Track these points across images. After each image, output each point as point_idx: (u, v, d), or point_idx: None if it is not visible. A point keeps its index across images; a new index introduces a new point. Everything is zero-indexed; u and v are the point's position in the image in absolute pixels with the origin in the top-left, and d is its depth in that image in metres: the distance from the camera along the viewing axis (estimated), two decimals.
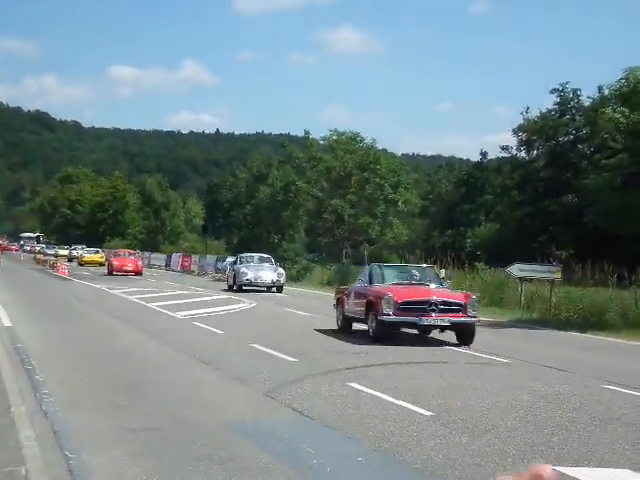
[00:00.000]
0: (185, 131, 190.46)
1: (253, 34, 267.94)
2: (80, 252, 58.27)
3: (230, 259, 45.48)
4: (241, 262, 29.78)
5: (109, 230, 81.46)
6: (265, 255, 31.85)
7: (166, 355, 11.92)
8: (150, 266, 52.55)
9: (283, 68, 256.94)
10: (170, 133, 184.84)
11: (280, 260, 46.11)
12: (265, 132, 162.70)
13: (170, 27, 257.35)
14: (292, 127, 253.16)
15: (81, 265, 51.65)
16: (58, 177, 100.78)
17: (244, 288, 28.03)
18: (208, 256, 51.37)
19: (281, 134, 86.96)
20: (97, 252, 55.64)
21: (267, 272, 28.49)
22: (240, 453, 6.07)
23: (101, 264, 49.46)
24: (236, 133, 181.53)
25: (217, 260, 47.63)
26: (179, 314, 18.38)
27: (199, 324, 16.14)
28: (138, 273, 39.28)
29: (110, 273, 39.11)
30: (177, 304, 21.31)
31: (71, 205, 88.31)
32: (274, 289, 28.26)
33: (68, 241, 76.04)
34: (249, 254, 32.49)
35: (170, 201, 76.29)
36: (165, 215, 74.33)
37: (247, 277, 28.12)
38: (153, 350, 12.53)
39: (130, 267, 39.77)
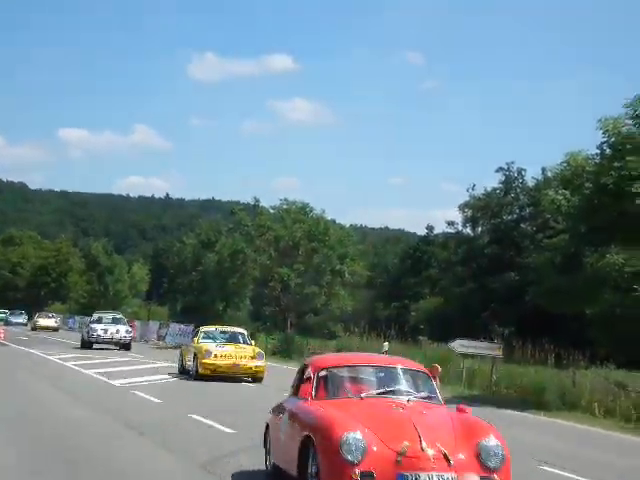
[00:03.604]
0: (134, 195, 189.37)
1: (206, 100, 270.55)
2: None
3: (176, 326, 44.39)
4: None
5: (50, 294, 79.78)
6: None
7: (102, 425, 11.57)
8: None
9: (235, 135, 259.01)
10: (119, 197, 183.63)
11: None
12: (215, 198, 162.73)
13: (123, 90, 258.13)
14: (242, 194, 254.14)
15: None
16: (0, 239, 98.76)
17: None
18: (151, 322, 50.60)
19: (231, 201, 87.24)
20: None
21: None
22: None
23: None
24: (186, 199, 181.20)
25: (160, 327, 46.91)
26: (117, 382, 17.94)
27: (138, 392, 15.77)
28: None
29: None
30: (116, 371, 20.83)
31: (12, 267, 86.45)
32: None
33: (6, 304, 73.90)
34: None
35: (115, 265, 75.30)
36: (109, 279, 73.24)
37: None
38: (89, 420, 12.15)
39: None
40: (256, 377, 19.83)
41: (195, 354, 20.01)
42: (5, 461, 8.27)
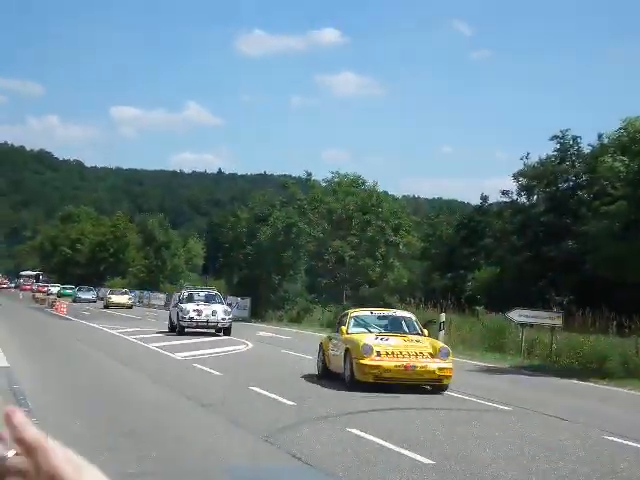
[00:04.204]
0: (187, 171, 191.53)
1: (255, 76, 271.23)
2: None
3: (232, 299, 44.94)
4: None
5: (110, 269, 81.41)
6: None
7: (164, 397, 11.83)
8: (150, 305, 52.42)
9: (285, 110, 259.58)
10: (172, 173, 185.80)
11: (280, 301, 46.26)
12: (267, 173, 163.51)
13: (173, 69, 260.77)
14: (293, 168, 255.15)
15: None
16: (59, 216, 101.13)
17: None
18: None
19: (283, 175, 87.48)
20: None
21: None
22: None
23: None
24: (238, 173, 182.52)
25: None
26: (179, 355, 18.29)
27: (199, 366, 16.06)
28: None
29: None
30: (177, 345, 21.22)
31: (72, 244, 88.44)
32: None
33: (68, 280, 75.71)
34: None
35: (171, 240, 76.42)
36: (166, 254, 74.41)
37: None
38: (151, 392, 12.44)
39: None
40: (441, 385, 13.17)
41: (347, 350, 13.47)
42: (77, 431, 8.54)
